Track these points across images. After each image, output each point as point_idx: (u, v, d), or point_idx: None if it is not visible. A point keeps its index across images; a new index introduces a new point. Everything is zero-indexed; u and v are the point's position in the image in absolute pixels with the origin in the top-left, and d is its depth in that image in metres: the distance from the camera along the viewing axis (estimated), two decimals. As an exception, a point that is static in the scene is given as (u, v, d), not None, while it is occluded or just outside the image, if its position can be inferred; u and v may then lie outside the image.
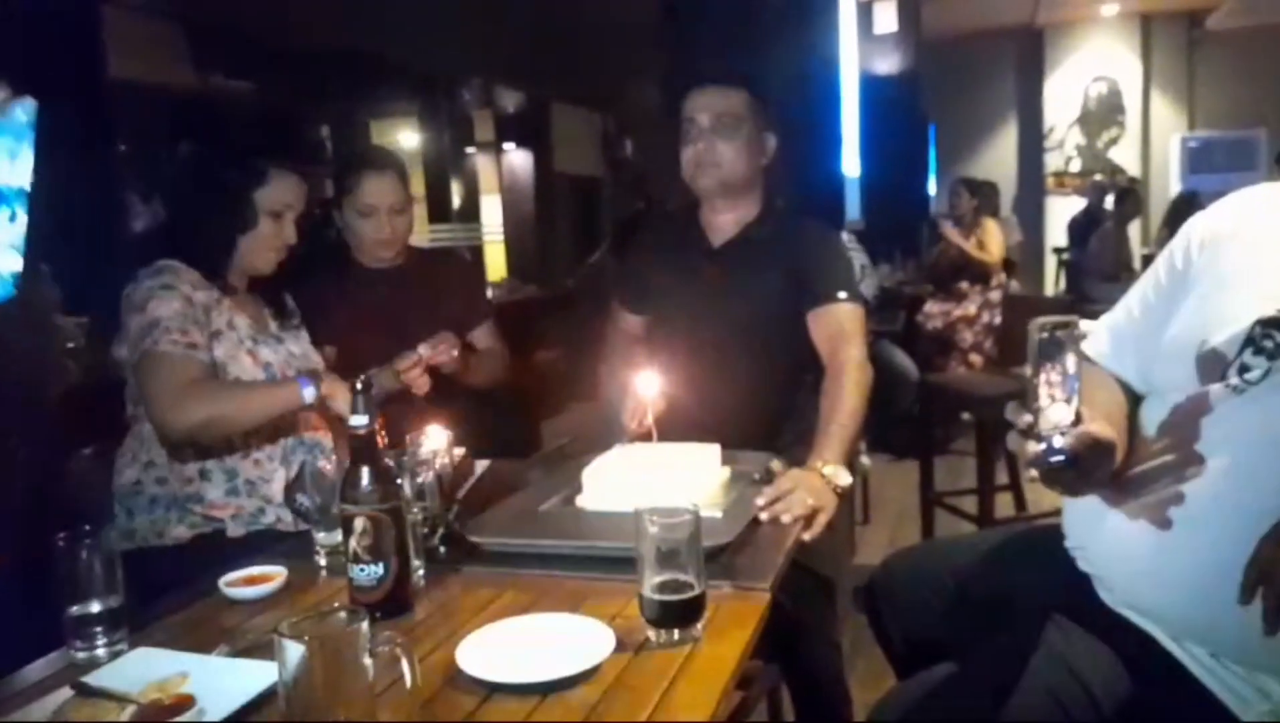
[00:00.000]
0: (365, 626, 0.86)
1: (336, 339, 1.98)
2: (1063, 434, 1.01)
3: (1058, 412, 1.01)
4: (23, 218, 1.09)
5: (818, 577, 1.72)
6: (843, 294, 1.81)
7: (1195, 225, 1.19)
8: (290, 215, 1.71)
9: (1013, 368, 3.36)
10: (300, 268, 1.83)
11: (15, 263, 1.01)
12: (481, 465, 1.48)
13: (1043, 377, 1.01)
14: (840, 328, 1.79)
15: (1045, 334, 1.01)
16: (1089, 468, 1.04)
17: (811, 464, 1.51)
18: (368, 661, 0.86)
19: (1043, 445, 1.01)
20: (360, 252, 2.12)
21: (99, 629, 1.07)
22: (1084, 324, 1.11)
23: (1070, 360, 1.01)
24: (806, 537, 1.41)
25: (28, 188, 1.05)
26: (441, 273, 2.27)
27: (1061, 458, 1.01)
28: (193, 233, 1.68)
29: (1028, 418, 1.02)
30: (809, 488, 1.43)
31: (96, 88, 2.22)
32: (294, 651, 0.84)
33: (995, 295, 4.83)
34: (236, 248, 1.68)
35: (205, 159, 1.79)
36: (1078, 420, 1.01)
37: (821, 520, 1.44)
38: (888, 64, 6.49)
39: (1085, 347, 1.21)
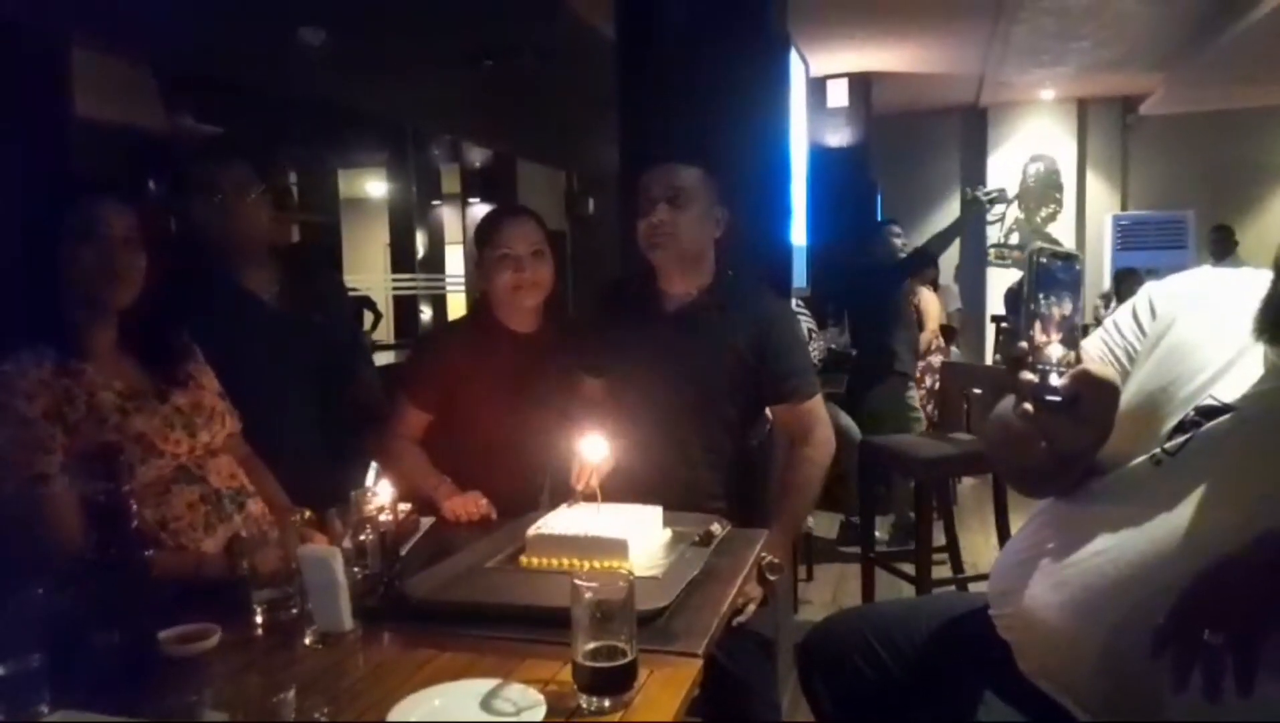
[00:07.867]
0: (291, 695, 0.87)
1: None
2: (1060, 373, 0.96)
3: (1054, 350, 0.96)
4: None
5: (758, 637, 1.74)
6: (810, 394, 1.93)
7: (1154, 291, 1.19)
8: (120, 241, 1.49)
9: (950, 433, 3.45)
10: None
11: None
12: (426, 522, 1.48)
13: (1040, 310, 0.96)
14: (809, 418, 1.92)
15: (1044, 260, 0.96)
16: (1086, 411, 0.98)
17: (759, 553, 1.60)
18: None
19: (1038, 378, 0.96)
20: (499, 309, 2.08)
21: (16, 691, 1.01)
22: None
23: (1068, 299, 0.96)
24: (741, 619, 1.60)
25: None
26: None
27: (1058, 398, 0.96)
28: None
29: (1022, 346, 0.97)
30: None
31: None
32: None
33: (936, 360, 4.98)
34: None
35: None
36: (1076, 360, 0.97)
37: (751, 608, 1.65)
38: (838, 137, 6.72)
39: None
